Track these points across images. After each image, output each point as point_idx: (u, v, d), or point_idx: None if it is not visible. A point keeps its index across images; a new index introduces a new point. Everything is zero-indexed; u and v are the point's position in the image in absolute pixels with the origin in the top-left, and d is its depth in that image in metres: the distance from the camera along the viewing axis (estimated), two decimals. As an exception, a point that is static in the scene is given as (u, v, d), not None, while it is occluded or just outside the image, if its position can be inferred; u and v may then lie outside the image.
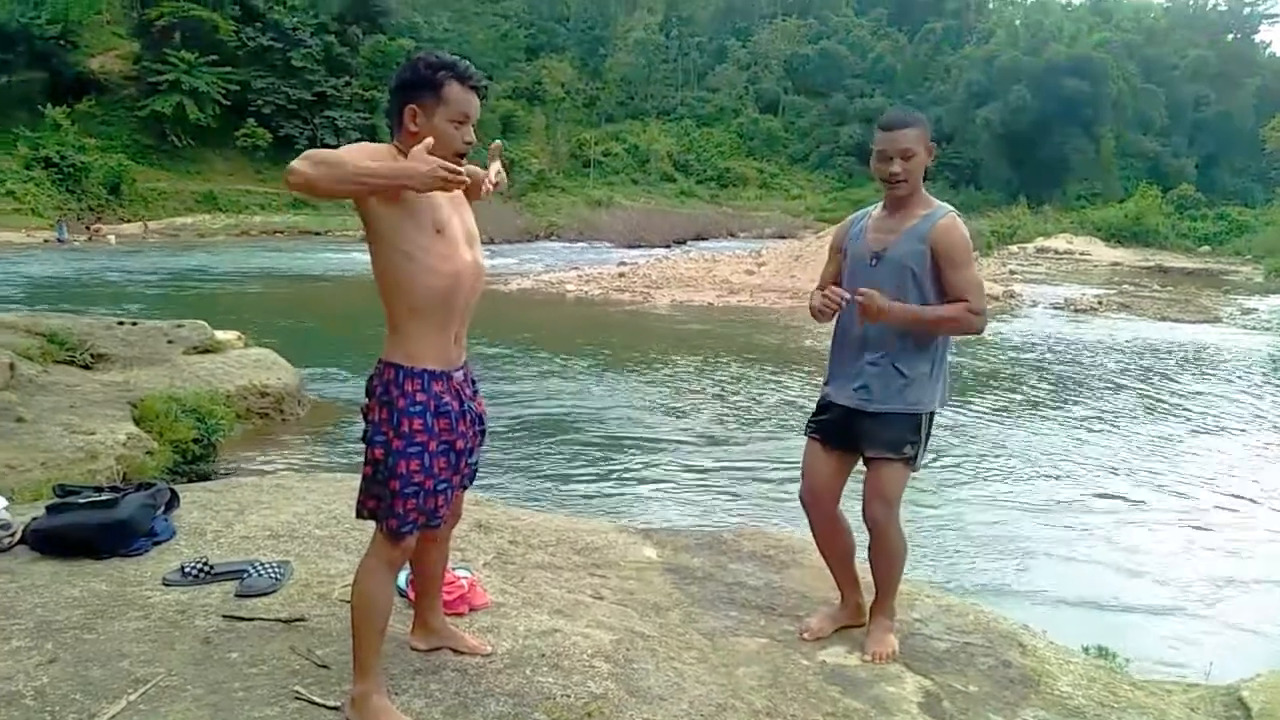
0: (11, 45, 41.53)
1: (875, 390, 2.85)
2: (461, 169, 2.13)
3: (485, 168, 2.51)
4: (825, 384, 3.06)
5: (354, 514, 2.35)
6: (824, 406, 3.03)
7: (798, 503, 3.10)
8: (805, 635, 3.06)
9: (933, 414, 2.91)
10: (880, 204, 2.98)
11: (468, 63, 2.25)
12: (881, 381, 2.84)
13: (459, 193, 2.37)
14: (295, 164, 2.01)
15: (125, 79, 46.96)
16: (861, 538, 3.04)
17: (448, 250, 2.22)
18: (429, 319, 2.23)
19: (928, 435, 2.91)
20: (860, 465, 3.00)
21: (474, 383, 2.43)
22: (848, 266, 2.98)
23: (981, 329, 2.86)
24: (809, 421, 3.08)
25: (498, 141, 2.67)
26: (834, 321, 3.03)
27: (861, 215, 3.06)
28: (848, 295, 2.80)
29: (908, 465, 2.89)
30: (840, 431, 2.94)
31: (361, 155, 2.10)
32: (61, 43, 44.09)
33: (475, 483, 2.57)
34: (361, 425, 2.31)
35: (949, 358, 2.98)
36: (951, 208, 2.90)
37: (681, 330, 16.61)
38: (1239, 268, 37.18)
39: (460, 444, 2.31)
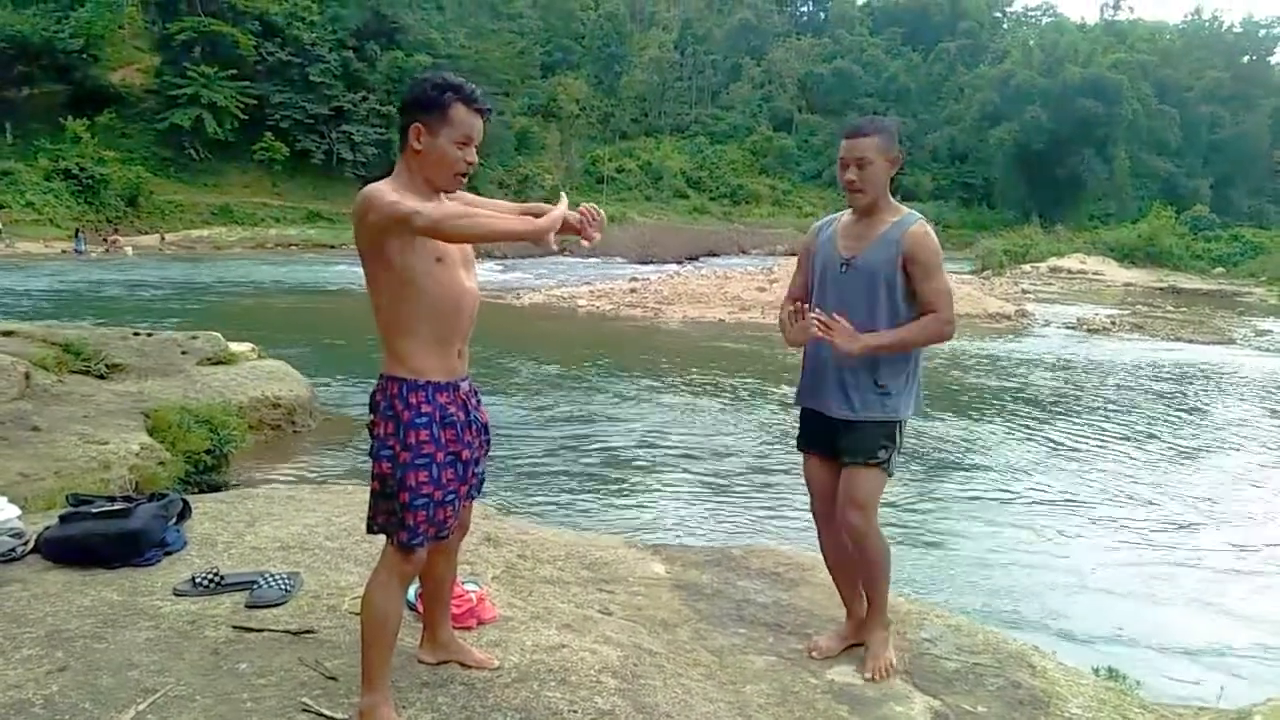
0: (34, 58, 42.20)
1: (855, 400, 2.87)
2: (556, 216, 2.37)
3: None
4: (799, 395, 3.07)
5: (365, 529, 2.37)
6: (804, 419, 3.05)
7: (806, 521, 3.10)
8: (813, 654, 3.06)
9: (904, 421, 2.93)
10: (849, 210, 2.97)
11: (474, 85, 2.31)
12: (859, 393, 2.86)
13: None
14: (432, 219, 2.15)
15: (145, 92, 47.54)
16: None
17: (446, 276, 2.28)
18: (429, 340, 2.28)
19: (900, 441, 2.93)
20: None
21: (477, 393, 2.46)
22: (817, 273, 2.98)
23: (950, 336, 2.87)
24: (798, 438, 3.10)
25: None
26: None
27: (829, 221, 3.05)
28: (820, 317, 2.80)
29: (882, 470, 2.89)
30: (825, 441, 2.96)
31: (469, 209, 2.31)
32: (83, 56, 44.65)
33: (483, 496, 2.58)
34: (369, 441, 2.33)
35: (922, 363, 3.00)
36: (920, 215, 2.91)
37: (692, 346, 16.59)
38: (1253, 289, 36.89)
39: (466, 454, 2.33)
